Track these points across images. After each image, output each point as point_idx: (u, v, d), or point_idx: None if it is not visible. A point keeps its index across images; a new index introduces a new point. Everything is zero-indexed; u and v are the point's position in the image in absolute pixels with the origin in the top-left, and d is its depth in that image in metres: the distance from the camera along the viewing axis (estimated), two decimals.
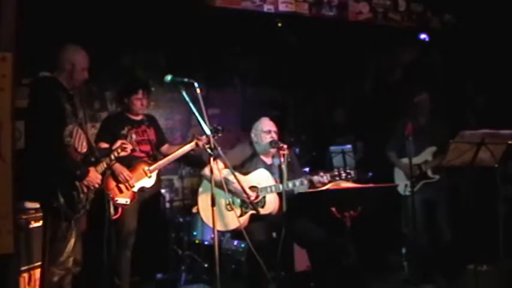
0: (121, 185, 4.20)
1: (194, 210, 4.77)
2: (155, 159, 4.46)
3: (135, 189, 4.26)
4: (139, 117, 4.51)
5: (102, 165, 3.55)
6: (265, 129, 4.18)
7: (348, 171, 3.98)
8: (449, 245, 4.59)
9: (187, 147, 4.42)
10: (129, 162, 4.26)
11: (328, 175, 3.99)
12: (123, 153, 3.75)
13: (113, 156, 3.68)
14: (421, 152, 4.70)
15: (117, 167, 4.18)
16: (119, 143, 3.77)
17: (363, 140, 6.21)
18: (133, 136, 4.03)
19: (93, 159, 3.49)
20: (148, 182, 4.34)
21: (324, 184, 3.99)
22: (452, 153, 3.77)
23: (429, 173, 4.61)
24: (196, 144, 4.34)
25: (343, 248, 4.19)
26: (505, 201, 4.02)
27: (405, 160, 4.69)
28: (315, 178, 3.99)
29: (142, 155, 4.40)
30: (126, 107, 4.47)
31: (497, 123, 3.89)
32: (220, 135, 4.36)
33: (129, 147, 3.80)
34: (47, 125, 3.20)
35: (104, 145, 4.15)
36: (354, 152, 5.96)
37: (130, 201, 4.23)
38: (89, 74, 3.52)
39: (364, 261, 4.56)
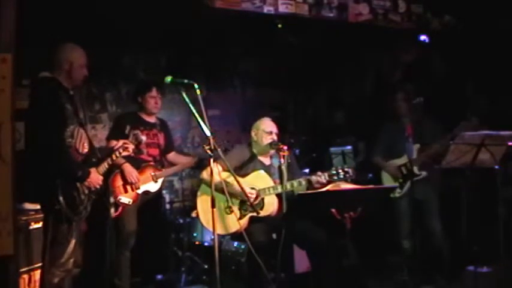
0: (127, 185, 4.21)
1: (193, 214, 4.78)
2: (162, 165, 4.47)
3: (140, 191, 4.27)
4: (152, 120, 4.52)
5: (104, 166, 3.55)
6: (267, 130, 4.18)
7: (346, 170, 3.98)
8: (442, 243, 4.57)
9: (193, 160, 4.50)
10: (138, 164, 4.28)
11: (326, 174, 3.99)
12: (124, 153, 3.74)
13: (114, 156, 3.67)
14: (405, 152, 4.69)
15: (127, 167, 4.20)
16: (120, 142, 3.75)
17: (363, 141, 6.20)
18: (144, 137, 4.01)
19: (94, 160, 3.50)
20: (154, 186, 4.37)
21: (323, 184, 3.98)
22: (452, 155, 3.77)
23: (415, 170, 4.58)
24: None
25: (343, 249, 4.19)
26: (505, 203, 4.01)
27: (392, 162, 4.71)
28: (313, 178, 3.98)
29: (150, 158, 4.41)
30: (139, 106, 4.48)
31: (497, 124, 3.89)
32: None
33: (131, 146, 3.78)
34: (48, 125, 3.20)
35: (114, 143, 4.13)
36: (356, 153, 5.94)
37: (133, 202, 4.25)
38: (89, 74, 3.52)
39: (364, 262, 4.56)
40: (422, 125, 4.66)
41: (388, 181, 4.77)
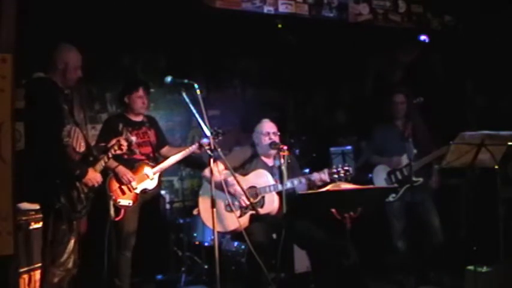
0: (124, 187, 4.20)
1: (195, 212, 4.78)
2: (156, 162, 4.46)
3: (138, 190, 4.26)
4: (139, 119, 4.49)
5: (100, 164, 3.57)
6: (264, 131, 4.20)
7: (347, 168, 3.99)
8: (442, 245, 4.57)
9: (189, 150, 4.45)
10: (132, 164, 4.27)
11: (326, 171, 3.99)
12: (118, 152, 3.74)
13: (110, 154, 3.68)
14: (402, 156, 4.69)
15: (120, 169, 4.18)
16: (114, 140, 3.75)
17: (365, 140, 6.20)
18: (133, 138, 4.01)
19: (91, 159, 3.51)
20: (150, 184, 4.35)
21: (325, 181, 3.98)
22: (452, 155, 3.77)
23: (412, 176, 4.58)
24: (199, 147, 4.37)
25: (343, 249, 4.18)
26: (505, 203, 4.01)
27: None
28: (315, 175, 3.99)
29: (143, 157, 4.39)
30: (126, 106, 4.44)
31: (497, 124, 3.89)
32: (220, 138, 4.38)
33: (125, 144, 3.77)
34: (45, 125, 3.21)
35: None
36: (359, 153, 5.94)
37: (133, 203, 4.24)
38: (86, 74, 3.53)
39: (364, 262, 4.55)
40: (418, 125, 4.68)
41: (378, 182, 4.77)
